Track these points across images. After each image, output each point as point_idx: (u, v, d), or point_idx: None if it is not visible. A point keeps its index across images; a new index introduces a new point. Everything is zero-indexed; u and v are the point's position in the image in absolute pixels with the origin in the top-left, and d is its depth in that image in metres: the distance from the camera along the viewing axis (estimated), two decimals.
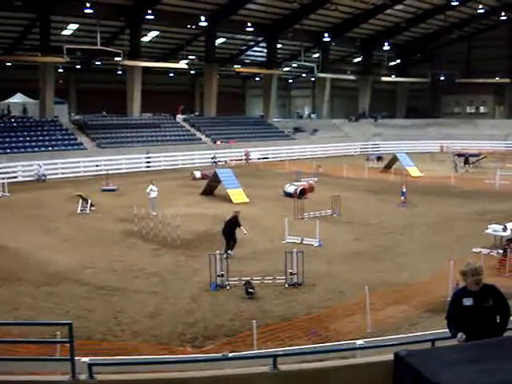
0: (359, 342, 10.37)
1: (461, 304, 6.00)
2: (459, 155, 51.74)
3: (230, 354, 7.94)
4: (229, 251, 19.61)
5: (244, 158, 51.94)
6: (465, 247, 20.18)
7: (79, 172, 42.97)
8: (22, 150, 42.96)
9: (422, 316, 14.01)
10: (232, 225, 20.50)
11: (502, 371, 3.53)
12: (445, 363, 3.65)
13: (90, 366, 5.89)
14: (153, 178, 31.01)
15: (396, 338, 10.65)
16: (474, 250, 19.71)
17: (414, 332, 12.22)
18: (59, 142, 45.69)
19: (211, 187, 33.54)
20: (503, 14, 64.26)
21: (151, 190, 27.99)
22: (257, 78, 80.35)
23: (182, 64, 62.29)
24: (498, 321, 5.95)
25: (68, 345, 6.45)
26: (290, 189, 32.61)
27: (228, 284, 16.52)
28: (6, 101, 54.73)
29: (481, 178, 38.64)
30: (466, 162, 47.34)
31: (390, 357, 4.53)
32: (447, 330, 6.40)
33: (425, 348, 5.43)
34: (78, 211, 28.12)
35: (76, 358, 6.31)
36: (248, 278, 16.41)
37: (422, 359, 3.76)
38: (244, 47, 70.20)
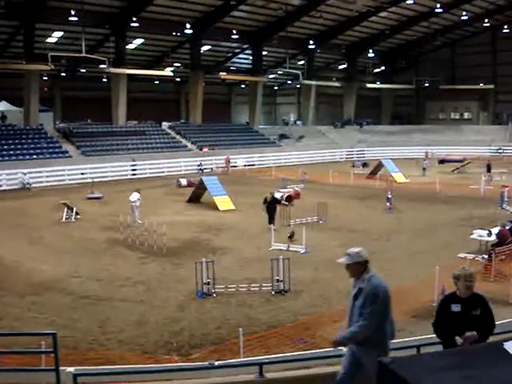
0: (345, 348, 10.37)
1: (449, 309, 6.00)
2: (442, 161, 52.64)
3: (217, 363, 7.90)
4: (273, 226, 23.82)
5: (224, 165, 51.52)
6: (450, 253, 20.26)
7: (64, 180, 42.75)
8: (7, 158, 42.65)
9: (408, 322, 14.02)
10: (274, 204, 26.22)
11: (486, 378, 3.55)
12: (428, 370, 3.65)
13: (75, 376, 5.86)
14: (137, 187, 30.85)
15: None
16: (459, 255, 19.81)
17: (400, 338, 12.24)
18: (44, 150, 45.44)
19: (197, 195, 33.49)
20: (486, 20, 64.98)
21: (133, 197, 27.79)
22: (242, 85, 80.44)
23: (168, 71, 62.28)
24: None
25: (53, 355, 6.42)
26: (277, 195, 32.59)
27: (214, 292, 16.47)
28: None
29: (465, 183, 38.91)
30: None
31: None
32: (433, 335, 6.42)
33: (409, 355, 5.44)
34: (63, 220, 27.96)
35: (61, 368, 6.28)
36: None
37: (405, 366, 3.76)
38: (229, 54, 70.29)
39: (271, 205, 26.02)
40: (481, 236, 20.74)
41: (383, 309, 6.19)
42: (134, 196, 27.94)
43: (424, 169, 48.38)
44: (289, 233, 23.44)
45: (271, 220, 25.17)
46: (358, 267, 6.22)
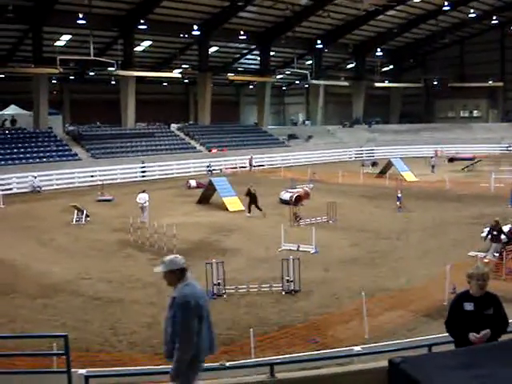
0: (356, 348, 10.37)
1: (461, 308, 5.96)
2: (452, 159, 52.62)
3: (228, 363, 7.89)
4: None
5: (248, 164, 52.36)
6: (461, 251, 20.21)
7: (74, 183, 42.91)
8: (17, 161, 42.91)
9: (419, 321, 14.00)
10: (255, 196, 29.35)
11: (495, 377, 3.54)
12: (438, 369, 3.65)
13: (87, 377, 5.88)
14: (145, 188, 31.00)
15: (393, 344, 10.65)
16: (470, 253, 19.75)
17: (412, 337, 12.21)
18: (54, 153, 45.68)
19: (207, 196, 33.52)
20: (494, 17, 64.68)
21: (139, 198, 28.33)
22: (250, 86, 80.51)
23: (176, 73, 62.40)
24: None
25: (64, 357, 6.44)
26: (286, 196, 32.61)
27: (225, 292, 16.48)
28: (0, 112, 54.76)
29: (476, 181, 38.74)
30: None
31: (386, 363, 4.52)
32: (444, 334, 6.39)
33: (419, 354, 5.42)
34: (74, 222, 28.07)
35: (73, 370, 6.30)
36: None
37: (415, 365, 3.75)
38: (237, 55, 70.37)
39: (253, 197, 29.41)
40: None
41: (192, 321, 5.67)
42: (143, 197, 28.25)
43: (433, 166, 48.39)
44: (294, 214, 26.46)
45: (250, 209, 29.18)
46: (173, 275, 5.91)
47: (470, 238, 22.21)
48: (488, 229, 19.78)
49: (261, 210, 29.18)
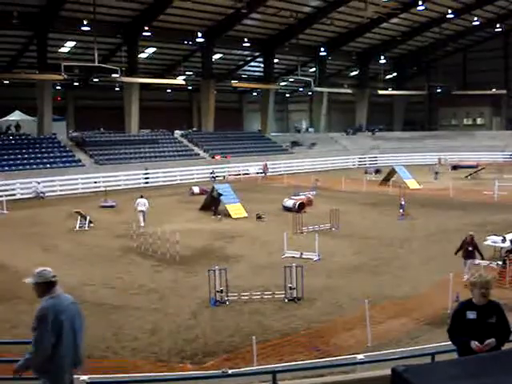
0: (359, 356, 10.34)
1: (464, 317, 5.95)
2: (455, 167, 52.75)
3: (230, 371, 7.89)
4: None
5: (262, 171, 52.51)
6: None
7: (77, 189, 42.96)
8: (20, 167, 43.00)
9: (422, 329, 13.96)
10: (218, 199, 31.94)
11: None
12: (442, 378, 3.63)
13: None
14: (147, 194, 31.33)
15: (396, 352, 10.62)
16: (473, 262, 19.66)
17: (415, 345, 12.19)
18: (57, 159, 45.81)
19: (210, 202, 33.51)
20: (498, 25, 64.74)
21: (138, 203, 29.04)
22: (254, 93, 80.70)
23: (180, 80, 62.53)
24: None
25: None
26: (289, 203, 32.61)
27: (227, 299, 16.46)
28: (4, 118, 54.93)
29: (479, 189, 38.67)
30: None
31: (389, 372, 4.51)
32: (447, 343, 6.37)
33: (423, 363, 5.41)
34: (77, 228, 28.11)
35: (75, 376, 6.29)
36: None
37: (419, 374, 3.73)
38: (241, 62, 70.51)
39: (215, 200, 31.98)
40: (495, 242, 20.57)
41: (46, 334, 5.61)
42: (143, 203, 28.99)
43: (436, 173, 48.46)
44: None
45: (216, 212, 31.40)
46: (40, 288, 5.86)
47: None
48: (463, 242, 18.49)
49: (216, 214, 31.33)
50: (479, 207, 32.31)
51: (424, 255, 21.86)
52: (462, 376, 3.62)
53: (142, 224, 27.90)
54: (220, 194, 31.87)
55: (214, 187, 33.54)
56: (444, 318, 12.90)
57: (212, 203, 32.26)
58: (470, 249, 18.10)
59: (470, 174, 49.10)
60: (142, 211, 28.76)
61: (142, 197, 29.66)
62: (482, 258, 18.40)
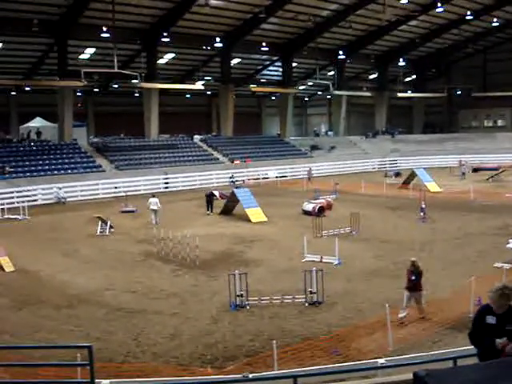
0: (381, 360, 10.29)
1: (483, 321, 5.91)
2: (476, 170, 52.64)
3: (251, 375, 7.88)
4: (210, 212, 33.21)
5: (307, 175, 52.42)
6: (486, 262, 19.98)
7: (98, 194, 43.29)
8: (42, 173, 43.40)
9: (443, 333, 13.84)
10: (211, 197, 34.51)
11: None
12: (464, 383, 3.60)
13: None
14: (154, 193, 33.36)
15: (418, 357, 10.55)
16: (495, 265, 19.48)
17: (436, 350, 12.09)
18: (78, 165, 46.19)
19: (229, 207, 33.58)
20: None
21: (150, 203, 30.64)
22: (273, 97, 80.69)
23: (198, 85, 62.75)
24: None
25: (88, 367, 6.48)
26: (309, 207, 32.54)
27: (248, 304, 16.46)
28: (25, 125, 55.55)
29: (501, 191, 38.30)
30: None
31: (411, 376, 4.48)
32: (469, 347, 6.32)
33: (444, 367, 5.37)
34: (98, 233, 28.30)
35: (96, 380, 6.34)
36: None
37: (441, 379, 3.71)
38: (259, 67, 70.59)
39: (209, 198, 33.95)
40: None
41: None
42: (155, 202, 30.52)
43: (463, 173, 49.19)
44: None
45: (208, 208, 33.67)
46: None
47: (495, 249, 21.94)
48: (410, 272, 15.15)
49: (210, 211, 33.56)
50: (501, 210, 31.97)
51: (445, 259, 21.68)
52: (482, 380, 3.59)
53: (154, 222, 29.67)
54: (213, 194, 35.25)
55: (233, 191, 33.65)
56: (466, 323, 12.77)
57: (208, 202, 34.00)
58: (413, 278, 15.00)
59: (492, 177, 48.65)
60: (154, 210, 30.38)
61: (153, 196, 31.40)
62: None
